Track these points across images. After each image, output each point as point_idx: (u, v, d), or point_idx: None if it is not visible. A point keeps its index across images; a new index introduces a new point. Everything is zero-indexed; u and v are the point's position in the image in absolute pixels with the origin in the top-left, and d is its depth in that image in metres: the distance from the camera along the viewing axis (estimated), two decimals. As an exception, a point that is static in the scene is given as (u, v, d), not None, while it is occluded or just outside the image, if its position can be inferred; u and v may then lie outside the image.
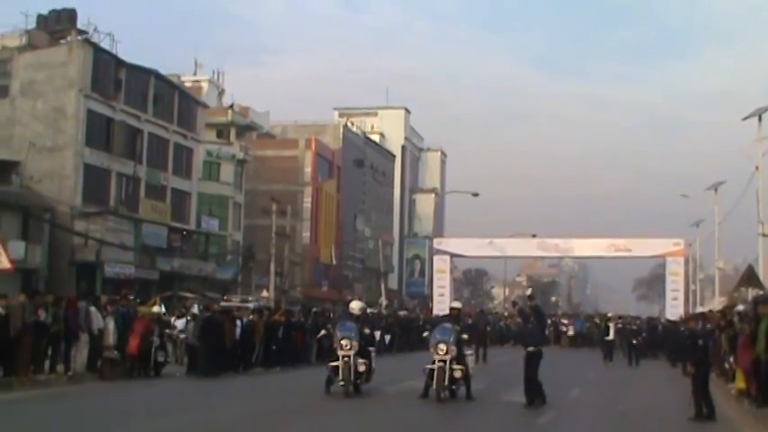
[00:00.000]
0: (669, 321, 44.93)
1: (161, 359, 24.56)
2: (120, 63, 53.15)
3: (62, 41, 52.47)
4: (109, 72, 52.44)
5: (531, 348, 18.08)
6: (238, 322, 27.30)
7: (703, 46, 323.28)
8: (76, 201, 49.41)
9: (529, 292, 21.15)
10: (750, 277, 28.86)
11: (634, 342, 37.04)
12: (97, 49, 51.68)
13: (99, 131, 51.85)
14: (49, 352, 21.35)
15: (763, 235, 31.62)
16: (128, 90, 53.92)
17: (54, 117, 49.52)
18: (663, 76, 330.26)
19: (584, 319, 56.74)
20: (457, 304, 21.56)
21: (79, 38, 51.85)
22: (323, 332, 23.62)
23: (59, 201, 47.70)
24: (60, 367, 21.58)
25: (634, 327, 39.86)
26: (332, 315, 35.66)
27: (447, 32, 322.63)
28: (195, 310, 30.91)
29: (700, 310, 44.99)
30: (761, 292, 24.91)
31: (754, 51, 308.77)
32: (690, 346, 17.23)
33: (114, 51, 53.27)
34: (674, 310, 53.39)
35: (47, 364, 21.33)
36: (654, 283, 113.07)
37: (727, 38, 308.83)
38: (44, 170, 48.20)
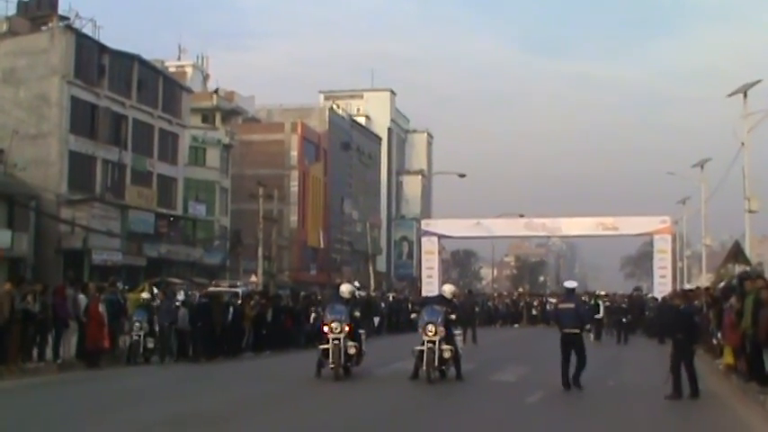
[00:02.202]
0: (656, 299, 45.14)
1: (150, 346, 24.58)
2: (103, 49, 52.86)
3: (43, 28, 52.18)
4: (92, 58, 52.16)
5: (567, 330, 17.89)
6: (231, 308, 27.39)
7: (690, 23, 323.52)
8: (62, 188, 49.21)
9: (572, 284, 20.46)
10: (737, 253, 28.93)
11: (623, 320, 37.22)
12: (79, 35, 51.38)
13: (83, 118, 51.60)
14: (37, 340, 21.27)
15: (750, 211, 31.68)
16: (111, 76, 53.65)
17: (37, 104, 49.27)
18: (649, 53, 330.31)
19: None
20: (449, 288, 21.29)
21: (61, 24, 51.59)
22: (313, 315, 23.61)
23: (45, 188, 47.49)
24: (49, 355, 21.51)
25: (623, 305, 40.01)
26: (320, 298, 35.71)
27: (433, 13, 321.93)
28: (181, 296, 30.91)
29: (687, 287, 45.19)
30: (747, 269, 25.00)
31: (739, 28, 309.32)
32: (674, 324, 17.32)
33: (97, 37, 53.05)
34: (661, 287, 53.53)
35: (35, 352, 21.27)
36: (641, 260, 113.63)
37: (714, 15, 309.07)
38: (28, 158, 47.91)
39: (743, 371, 17.40)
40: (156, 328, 25.02)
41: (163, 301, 26.13)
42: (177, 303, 28.39)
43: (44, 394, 17.39)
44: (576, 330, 17.95)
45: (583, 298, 37.75)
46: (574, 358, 17.78)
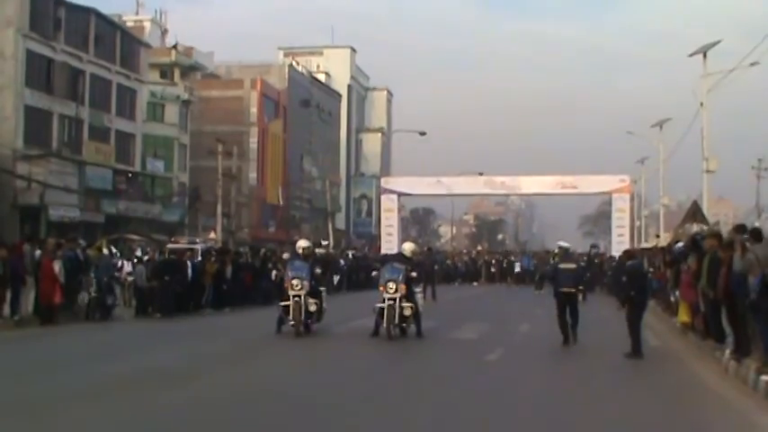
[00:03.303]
0: (613, 257, 45.58)
1: (110, 302, 24.46)
2: (58, 2, 51.87)
3: (-3, -21, 51.09)
4: (47, 11, 51.20)
5: (564, 289, 18.34)
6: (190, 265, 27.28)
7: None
8: (18, 143, 48.49)
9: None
10: (695, 213, 29.28)
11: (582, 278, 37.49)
12: (35, -13, 50.39)
13: (39, 72, 50.78)
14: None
15: (708, 171, 32.03)
16: (68, 30, 52.73)
17: (-8, 57, 48.37)
18: (609, 13, 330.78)
19: (531, 256, 57.21)
20: (409, 246, 21.31)
21: (15, -25, 50.49)
22: (274, 273, 23.50)
23: (0, 143, 46.78)
24: (6, 312, 21.28)
25: (582, 263, 40.23)
26: (282, 256, 35.66)
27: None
28: (139, 252, 30.68)
29: (644, 245, 45.63)
30: (705, 228, 25.29)
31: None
32: (623, 282, 17.66)
33: (52, -11, 52.02)
34: (619, 246, 53.99)
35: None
36: (600, 219, 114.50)
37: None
38: (-18, 112, 47.13)
39: (699, 328, 17.64)
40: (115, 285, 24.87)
41: (101, 257, 25.53)
42: (135, 260, 28.29)
43: (2, 350, 17.24)
44: (573, 289, 18.44)
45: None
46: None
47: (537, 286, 37.13)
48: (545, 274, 48.18)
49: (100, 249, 27.09)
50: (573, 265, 19.12)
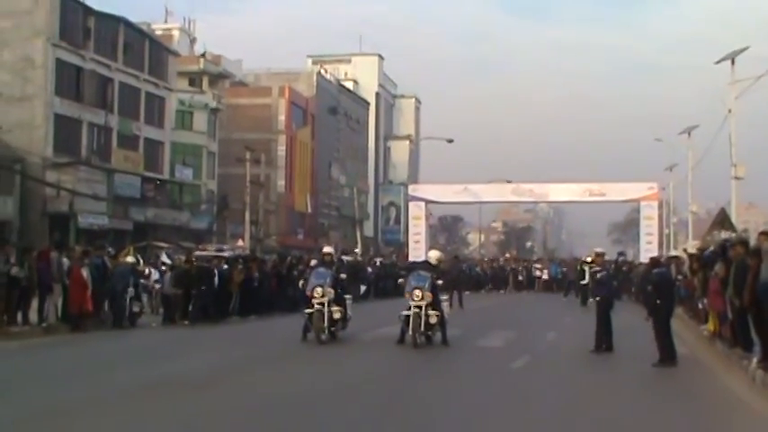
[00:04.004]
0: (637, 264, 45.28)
1: (136, 309, 24.52)
2: (88, 11, 52.39)
3: (28, -11, 51.56)
4: (77, 20, 51.70)
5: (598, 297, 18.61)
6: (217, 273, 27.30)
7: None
8: (47, 151, 48.94)
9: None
10: (723, 220, 29.02)
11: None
12: (64, -4, 50.87)
13: (68, 81, 51.28)
14: (21, 304, 21.16)
15: (736, 178, 31.73)
16: (97, 38, 53.23)
17: (22, 66, 48.81)
18: (637, 19, 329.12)
19: (559, 264, 56.96)
20: (434, 254, 21.27)
21: (45, -15, 50.96)
22: (301, 282, 23.37)
23: (30, 151, 47.20)
24: (34, 319, 21.41)
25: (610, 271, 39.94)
26: (310, 263, 35.60)
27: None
28: (165, 258, 30.67)
29: (673, 253, 45.30)
30: (733, 235, 25.05)
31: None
32: (649, 291, 17.57)
33: (81, -1, 52.50)
34: (647, 254, 53.60)
35: (19, 316, 21.17)
36: (628, 227, 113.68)
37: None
38: (13, 121, 47.35)
39: (727, 337, 17.46)
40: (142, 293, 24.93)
41: (116, 266, 24.98)
42: (163, 267, 28.32)
43: (28, 357, 17.37)
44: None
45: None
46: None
47: (582, 301, 36.35)
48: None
49: (136, 257, 27.17)
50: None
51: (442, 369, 16.16)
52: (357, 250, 63.98)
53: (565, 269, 52.25)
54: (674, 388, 14.06)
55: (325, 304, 18.94)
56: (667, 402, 12.63)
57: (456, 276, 34.44)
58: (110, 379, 13.80)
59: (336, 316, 19.26)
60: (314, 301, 18.97)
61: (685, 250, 30.04)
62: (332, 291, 19.13)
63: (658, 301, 16.67)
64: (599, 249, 21.14)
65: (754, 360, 14.47)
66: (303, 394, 12.65)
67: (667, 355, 16.19)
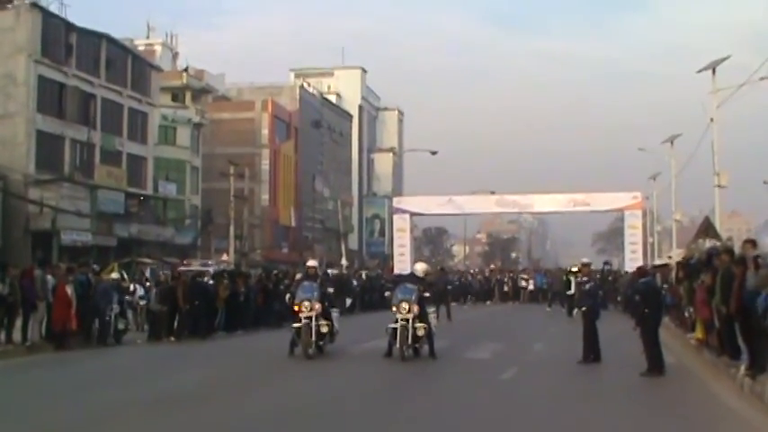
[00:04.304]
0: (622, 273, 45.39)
1: (121, 326, 24.35)
2: (70, 27, 52.27)
3: (9, 6, 51.30)
4: (59, 37, 51.57)
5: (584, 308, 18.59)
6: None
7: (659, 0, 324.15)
8: (30, 168, 48.74)
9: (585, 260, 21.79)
10: (707, 228, 29.06)
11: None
12: (46, 13, 50.77)
13: (51, 97, 51.15)
14: (5, 323, 20.97)
15: (719, 186, 31.81)
16: (79, 55, 53.09)
17: (3, 83, 48.74)
18: (618, 29, 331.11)
19: (544, 274, 56.98)
20: (421, 266, 21.21)
21: (27, 1, 50.79)
22: (288, 296, 23.27)
23: (12, 168, 47.04)
24: (17, 338, 21.23)
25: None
26: (295, 277, 35.51)
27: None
28: (148, 274, 30.51)
29: (658, 262, 45.43)
30: (718, 243, 25.11)
31: (708, 5, 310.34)
32: (636, 301, 17.58)
33: (63, 15, 52.40)
34: (632, 263, 53.73)
35: (2, 335, 20.99)
36: (613, 236, 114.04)
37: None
38: (-5, 138, 47.33)
39: (714, 345, 17.50)
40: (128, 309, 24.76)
41: (98, 283, 24.60)
42: (148, 284, 28.17)
43: (13, 376, 17.20)
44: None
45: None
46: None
47: (568, 311, 36.41)
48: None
49: (121, 273, 27.02)
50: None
51: (430, 382, 16.11)
52: (343, 263, 63.86)
53: (550, 280, 52.30)
54: (663, 397, 14.05)
55: (313, 318, 18.87)
56: (656, 412, 12.63)
57: (442, 288, 34.37)
58: (97, 397, 13.67)
59: (324, 330, 19.18)
60: (301, 315, 18.89)
61: (670, 258, 30.13)
62: (319, 305, 19.07)
63: (646, 311, 16.70)
64: (585, 260, 21.27)
65: (742, 368, 14.50)
66: (292, 409, 12.58)
67: (655, 364, 16.20)
